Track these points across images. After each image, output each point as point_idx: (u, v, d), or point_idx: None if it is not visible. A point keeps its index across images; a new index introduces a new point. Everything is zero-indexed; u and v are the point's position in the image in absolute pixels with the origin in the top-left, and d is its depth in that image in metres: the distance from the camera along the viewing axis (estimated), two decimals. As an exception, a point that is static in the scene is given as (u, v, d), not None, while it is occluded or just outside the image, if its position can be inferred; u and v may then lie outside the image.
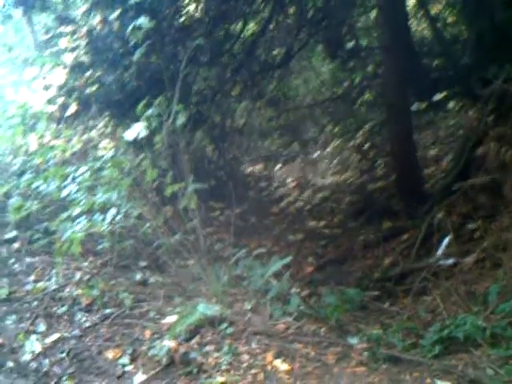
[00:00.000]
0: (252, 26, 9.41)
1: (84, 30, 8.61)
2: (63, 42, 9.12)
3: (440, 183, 7.83)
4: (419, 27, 10.68)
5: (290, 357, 4.40)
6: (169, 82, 6.79)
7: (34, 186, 6.85)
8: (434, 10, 9.66)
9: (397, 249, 6.86)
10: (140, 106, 6.17)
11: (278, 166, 9.92)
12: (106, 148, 6.70)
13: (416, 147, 8.56)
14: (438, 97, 9.20)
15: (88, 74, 8.61)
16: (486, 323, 4.50)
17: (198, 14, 8.75)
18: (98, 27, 8.38)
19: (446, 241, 6.17)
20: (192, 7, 8.76)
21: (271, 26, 9.36)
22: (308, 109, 10.25)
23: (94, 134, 8.76)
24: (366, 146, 9.46)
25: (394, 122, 8.65)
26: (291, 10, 9.39)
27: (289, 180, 9.44)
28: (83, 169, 6.26)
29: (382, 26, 8.84)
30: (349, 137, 9.79)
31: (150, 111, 6.12)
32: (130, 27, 6.64)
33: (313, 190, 8.81)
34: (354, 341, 4.62)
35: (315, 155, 10.14)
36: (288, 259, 5.50)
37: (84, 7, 8.70)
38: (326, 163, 9.99)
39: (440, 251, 6.12)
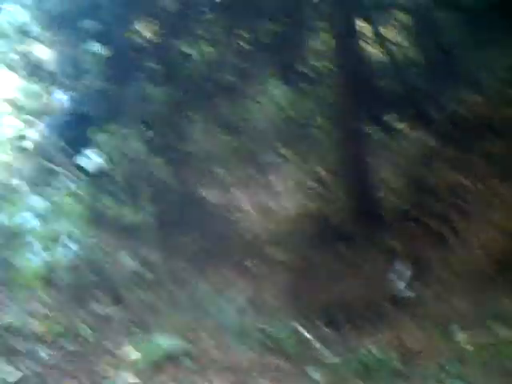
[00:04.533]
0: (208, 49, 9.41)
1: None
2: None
3: (395, 207, 7.96)
4: (373, 49, 10.79)
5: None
6: (123, 105, 6.80)
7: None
8: (389, 33, 9.77)
9: (359, 278, 6.88)
10: (91, 131, 6.13)
11: (234, 190, 9.93)
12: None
13: (369, 170, 8.65)
14: (389, 118, 9.38)
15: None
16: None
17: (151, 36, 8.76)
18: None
19: (407, 273, 6.28)
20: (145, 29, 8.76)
21: (226, 50, 9.39)
22: (263, 132, 10.29)
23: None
24: (320, 169, 9.53)
25: (347, 145, 8.72)
26: (245, 35, 9.42)
27: (244, 205, 9.44)
28: (41, 200, 6.21)
29: (334, 48, 8.94)
30: (302, 161, 9.85)
31: (103, 136, 6.09)
32: (81, 52, 6.61)
33: (269, 214, 8.83)
34: (317, 376, 4.66)
35: (270, 179, 10.17)
36: (250, 292, 5.54)
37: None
38: (282, 188, 10.02)
39: (401, 284, 6.22)
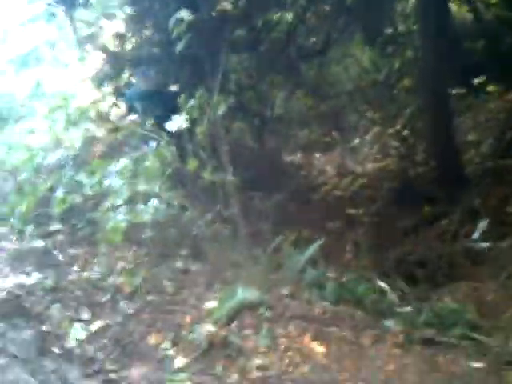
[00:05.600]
0: (290, 15, 9.44)
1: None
2: (104, 37, 9.33)
3: (479, 168, 7.80)
4: (460, 9, 10.58)
5: (326, 340, 4.49)
6: (209, 72, 6.93)
7: (76, 179, 7.04)
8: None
9: (434, 234, 6.87)
10: (182, 98, 6.32)
11: (318, 154, 9.98)
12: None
13: (456, 132, 8.52)
14: (477, 81, 9.18)
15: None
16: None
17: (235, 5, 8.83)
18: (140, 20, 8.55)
19: (483, 224, 6.18)
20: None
21: (309, 14, 9.40)
22: (348, 96, 10.27)
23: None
24: (406, 132, 9.45)
25: (433, 107, 8.62)
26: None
27: (328, 168, 9.47)
28: (124, 160, 6.42)
29: (420, 10, 8.80)
30: (388, 123, 9.79)
31: (191, 102, 6.26)
32: (173, 20, 6.80)
33: (352, 177, 8.83)
34: (389, 323, 4.68)
35: (355, 143, 10.16)
36: (321, 242, 5.60)
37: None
38: (366, 150, 9.99)
39: (476, 235, 6.13)
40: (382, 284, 5.27)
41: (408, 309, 4.92)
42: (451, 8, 9.47)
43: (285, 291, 5.25)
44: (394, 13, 10.06)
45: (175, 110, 6.44)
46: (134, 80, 8.72)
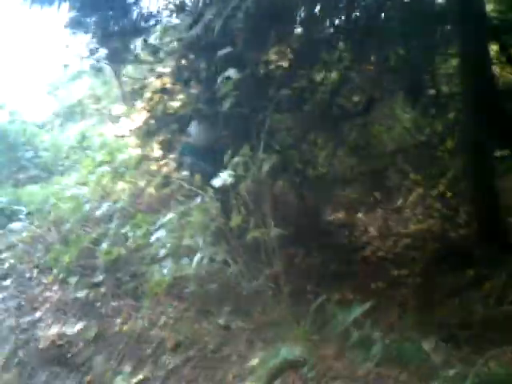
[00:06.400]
0: (333, 75, 9.53)
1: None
2: (149, 93, 9.50)
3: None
4: (503, 71, 10.60)
5: (371, 403, 4.44)
6: (254, 130, 7.02)
7: (122, 231, 7.15)
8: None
9: (478, 297, 6.78)
10: (227, 155, 6.42)
11: (360, 214, 9.97)
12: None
13: (498, 194, 8.46)
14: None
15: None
16: None
17: (282, 64, 8.96)
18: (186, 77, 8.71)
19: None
20: (274, 57, 8.97)
21: (352, 74, 9.48)
22: (390, 156, 10.28)
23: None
24: (449, 193, 9.42)
25: (476, 169, 8.59)
26: (372, 58, 9.48)
27: (371, 228, 9.45)
28: (170, 215, 6.51)
29: (462, 72, 8.85)
30: (431, 184, 9.77)
31: (236, 159, 6.35)
32: (220, 78, 6.96)
33: (395, 238, 8.79)
34: (435, 388, 4.61)
35: (397, 203, 10.15)
36: (368, 304, 5.56)
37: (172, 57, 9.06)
38: (408, 211, 9.96)
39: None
40: (426, 346, 5.18)
41: (452, 372, 4.82)
42: (494, 70, 9.50)
43: (329, 351, 5.20)
44: (437, 74, 10.10)
45: (222, 166, 6.52)
46: (181, 136, 8.84)
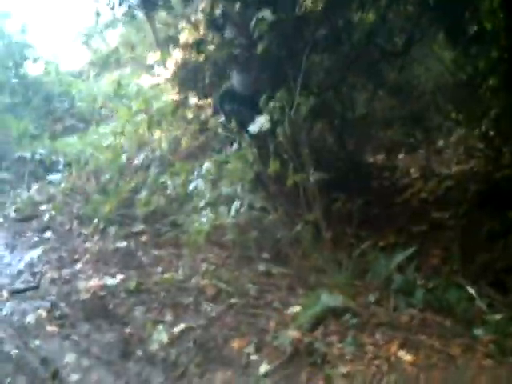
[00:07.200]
0: (371, 15, 9.26)
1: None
2: (183, 38, 9.36)
3: None
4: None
5: (414, 348, 4.36)
6: (290, 73, 6.86)
7: (160, 180, 7.10)
8: None
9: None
10: (263, 99, 6.29)
11: (401, 155, 9.79)
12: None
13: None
14: None
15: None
16: None
17: (316, 4, 8.72)
18: (220, 21, 8.53)
19: None
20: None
21: (390, 14, 9.20)
22: (431, 96, 10.03)
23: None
24: (491, 133, 9.17)
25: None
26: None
27: (412, 170, 9.27)
28: (207, 163, 6.44)
29: (507, 7, 8.54)
30: (473, 124, 9.52)
31: (272, 104, 6.23)
32: (254, 20, 6.78)
33: (437, 179, 8.60)
34: (479, 332, 4.50)
35: (439, 144, 9.94)
36: (411, 250, 5.46)
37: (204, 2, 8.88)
38: (450, 152, 9.76)
39: None
40: (471, 291, 5.07)
41: (498, 317, 4.72)
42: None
43: (371, 298, 5.13)
44: (480, 11, 9.77)
45: (258, 111, 6.40)
46: (217, 82, 8.72)
